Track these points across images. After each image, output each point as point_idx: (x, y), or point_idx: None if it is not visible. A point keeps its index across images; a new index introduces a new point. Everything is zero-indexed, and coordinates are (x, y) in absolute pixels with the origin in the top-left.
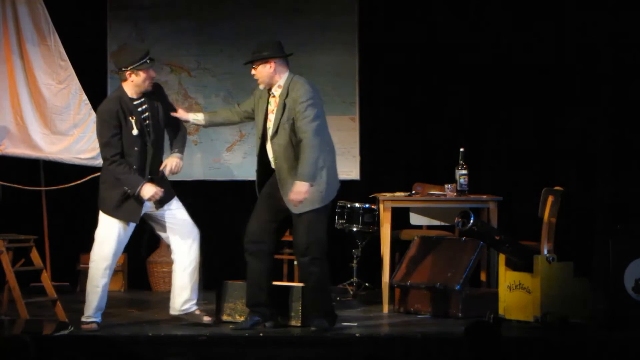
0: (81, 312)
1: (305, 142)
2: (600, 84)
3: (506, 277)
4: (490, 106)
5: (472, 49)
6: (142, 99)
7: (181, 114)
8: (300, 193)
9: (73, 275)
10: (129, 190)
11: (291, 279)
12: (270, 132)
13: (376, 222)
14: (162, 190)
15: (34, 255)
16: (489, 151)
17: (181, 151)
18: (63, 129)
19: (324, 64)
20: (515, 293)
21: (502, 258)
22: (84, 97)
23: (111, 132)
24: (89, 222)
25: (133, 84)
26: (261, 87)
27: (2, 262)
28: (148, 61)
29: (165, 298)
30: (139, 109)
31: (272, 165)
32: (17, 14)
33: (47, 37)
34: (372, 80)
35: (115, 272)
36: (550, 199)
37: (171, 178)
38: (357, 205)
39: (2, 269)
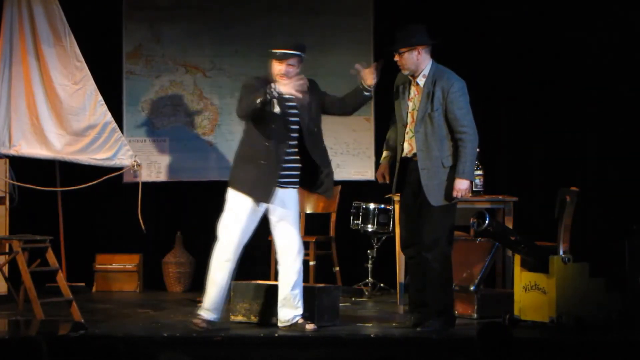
0: (96, 312)
1: (466, 137)
2: (616, 84)
3: (522, 278)
4: (505, 106)
5: (486, 47)
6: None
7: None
8: (461, 190)
9: (89, 275)
10: (264, 96)
11: (306, 280)
12: (410, 121)
13: (391, 223)
14: (302, 83)
15: (50, 255)
16: (505, 151)
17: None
18: (79, 129)
19: (339, 64)
20: (530, 294)
21: (517, 259)
22: (100, 97)
23: (250, 90)
24: (104, 222)
25: (272, 70)
26: (405, 73)
27: (18, 263)
28: (278, 53)
29: (180, 299)
30: (284, 96)
31: (406, 154)
32: (33, 15)
33: (63, 38)
34: (387, 81)
35: (129, 273)
36: (566, 199)
37: (189, 178)
38: (372, 205)
39: (18, 270)
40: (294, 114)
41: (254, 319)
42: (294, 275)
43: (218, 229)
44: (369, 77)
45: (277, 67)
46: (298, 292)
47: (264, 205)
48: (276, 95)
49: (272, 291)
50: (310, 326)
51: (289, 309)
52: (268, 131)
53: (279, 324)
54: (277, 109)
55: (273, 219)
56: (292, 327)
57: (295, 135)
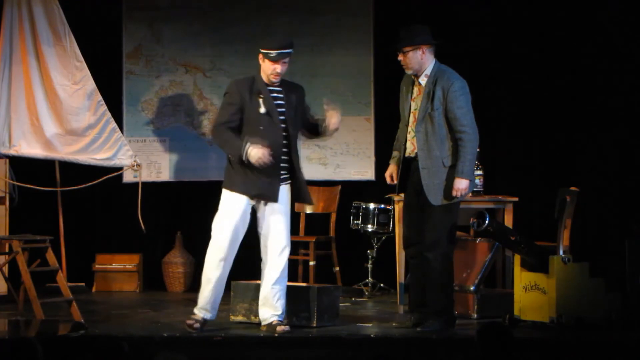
0: (96, 312)
1: (465, 137)
2: (616, 83)
3: (521, 278)
4: (504, 106)
5: (486, 47)
6: (279, 88)
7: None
8: (460, 190)
9: (89, 275)
10: (231, 157)
11: (306, 280)
12: (412, 120)
13: (391, 223)
14: (270, 158)
15: (50, 255)
16: (504, 152)
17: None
18: (79, 129)
19: (339, 64)
20: (530, 294)
21: (517, 259)
22: (100, 98)
23: (229, 101)
24: (104, 222)
25: (262, 68)
26: (408, 72)
27: (18, 263)
28: (273, 54)
29: (180, 299)
30: (272, 94)
31: (409, 153)
32: (33, 15)
33: (63, 38)
34: (388, 81)
35: (129, 273)
36: (566, 199)
37: (189, 178)
38: (372, 205)
39: (18, 270)
40: (282, 112)
41: (254, 319)
42: (275, 273)
43: (212, 229)
44: (333, 122)
45: (272, 67)
46: (278, 290)
47: (251, 204)
48: (245, 160)
49: None
50: (281, 328)
51: (268, 309)
52: (259, 133)
53: (261, 324)
54: (262, 109)
55: (261, 216)
56: (267, 327)
57: (284, 134)
